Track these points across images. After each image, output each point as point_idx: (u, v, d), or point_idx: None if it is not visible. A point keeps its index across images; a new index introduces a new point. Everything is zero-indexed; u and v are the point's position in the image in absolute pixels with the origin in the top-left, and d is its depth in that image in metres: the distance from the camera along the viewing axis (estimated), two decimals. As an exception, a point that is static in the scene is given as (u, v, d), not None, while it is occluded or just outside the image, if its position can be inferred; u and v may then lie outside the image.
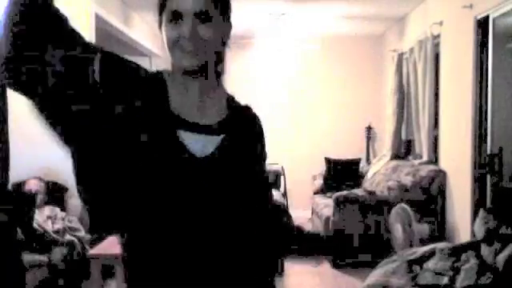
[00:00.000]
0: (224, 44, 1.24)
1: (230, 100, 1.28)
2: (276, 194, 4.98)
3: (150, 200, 1.10)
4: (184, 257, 1.12)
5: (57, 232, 3.92)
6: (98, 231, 1.13)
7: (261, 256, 1.23)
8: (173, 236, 1.12)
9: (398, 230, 4.38)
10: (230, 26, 1.24)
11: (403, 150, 6.31)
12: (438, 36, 4.96)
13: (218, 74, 1.26)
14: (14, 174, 3.71)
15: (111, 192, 1.10)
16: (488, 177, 4.05)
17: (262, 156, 1.30)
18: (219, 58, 1.24)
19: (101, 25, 4.91)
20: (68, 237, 3.97)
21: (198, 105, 1.20)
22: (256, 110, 1.34)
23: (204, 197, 1.12)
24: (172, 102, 1.17)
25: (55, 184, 4.30)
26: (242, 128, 1.24)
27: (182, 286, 1.13)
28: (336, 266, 4.83)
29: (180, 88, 1.20)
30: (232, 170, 1.17)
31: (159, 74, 1.22)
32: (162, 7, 1.17)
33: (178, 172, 1.11)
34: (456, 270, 2.92)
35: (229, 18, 1.22)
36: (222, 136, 1.18)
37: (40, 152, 3.44)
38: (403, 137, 6.35)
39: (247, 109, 1.31)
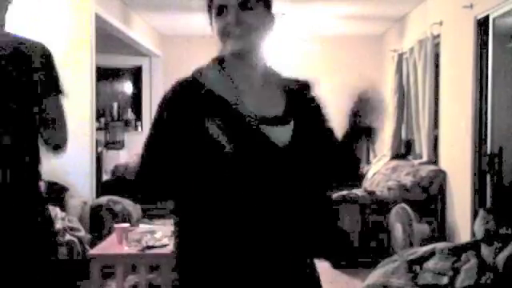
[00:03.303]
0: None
1: (282, 83, 1.40)
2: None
3: (245, 190, 1.26)
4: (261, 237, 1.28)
5: (57, 232, 3.92)
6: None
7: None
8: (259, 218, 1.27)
9: (398, 230, 4.38)
10: (272, 18, 1.38)
11: (403, 150, 6.30)
12: (438, 36, 4.96)
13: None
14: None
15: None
16: (488, 177, 4.05)
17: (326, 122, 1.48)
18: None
19: (101, 25, 4.92)
20: (68, 237, 3.97)
21: (258, 95, 1.33)
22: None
23: (288, 182, 1.27)
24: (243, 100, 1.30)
25: (55, 184, 4.30)
26: (302, 108, 1.38)
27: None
28: (336, 265, 4.82)
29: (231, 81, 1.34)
30: (309, 153, 1.31)
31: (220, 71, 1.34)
32: (209, 5, 1.34)
33: (266, 163, 1.26)
34: (456, 270, 2.92)
35: (270, 7, 1.37)
36: (291, 123, 1.31)
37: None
38: (403, 137, 6.34)
39: (300, 86, 1.44)
